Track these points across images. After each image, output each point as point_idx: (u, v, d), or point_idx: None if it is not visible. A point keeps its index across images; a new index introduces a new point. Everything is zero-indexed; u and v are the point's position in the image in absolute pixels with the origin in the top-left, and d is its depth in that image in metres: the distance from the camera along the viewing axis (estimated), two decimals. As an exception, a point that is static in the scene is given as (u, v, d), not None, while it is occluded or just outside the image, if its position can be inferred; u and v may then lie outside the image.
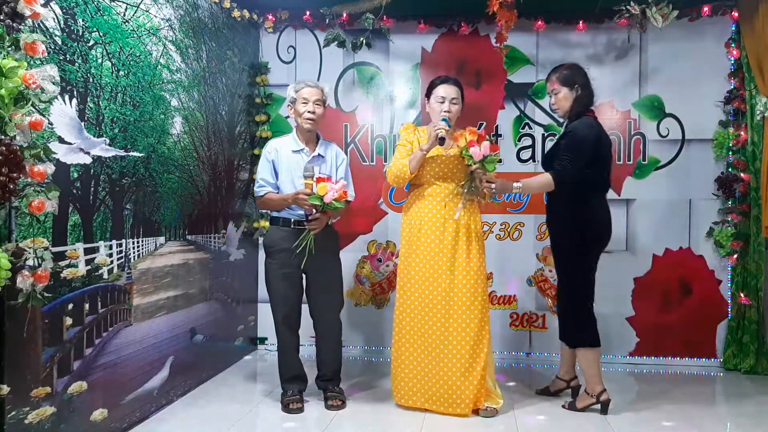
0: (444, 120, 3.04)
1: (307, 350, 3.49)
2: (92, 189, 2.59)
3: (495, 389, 3.13)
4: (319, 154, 3.24)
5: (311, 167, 3.07)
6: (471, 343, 3.03)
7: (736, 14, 3.99)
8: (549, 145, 4.25)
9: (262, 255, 4.39)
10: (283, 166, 3.21)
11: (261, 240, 4.40)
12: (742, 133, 3.99)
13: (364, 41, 3.97)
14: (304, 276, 3.25)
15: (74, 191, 2.47)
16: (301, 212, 3.14)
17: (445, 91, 3.12)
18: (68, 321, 2.41)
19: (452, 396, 3.04)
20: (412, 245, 3.15)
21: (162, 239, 3.19)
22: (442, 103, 3.10)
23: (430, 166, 3.13)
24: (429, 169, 3.13)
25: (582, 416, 3.10)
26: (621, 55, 4.19)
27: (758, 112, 3.92)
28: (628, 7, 3.62)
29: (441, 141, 2.99)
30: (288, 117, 4.35)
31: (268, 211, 3.38)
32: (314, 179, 3.02)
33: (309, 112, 3.16)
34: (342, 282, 3.35)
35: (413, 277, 3.12)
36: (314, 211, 3.08)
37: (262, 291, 4.41)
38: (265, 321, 4.39)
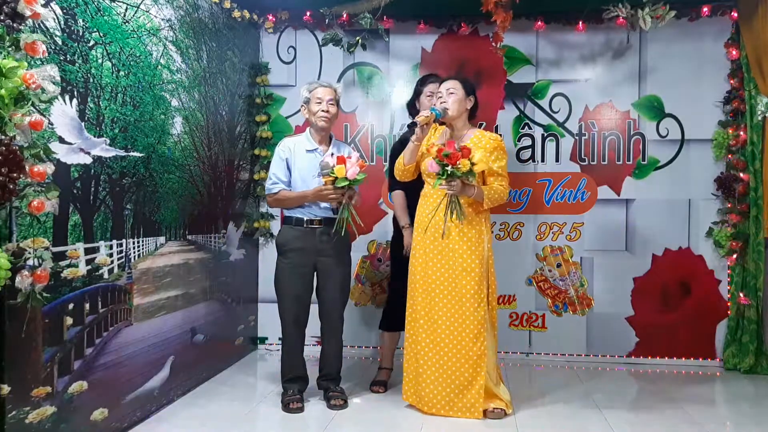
0: (432, 109, 3.05)
1: (308, 350, 3.49)
2: (92, 189, 2.59)
3: (498, 390, 3.09)
4: (332, 154, 3.23)
5: (327, 163, 3.06)
6: (461, 343, 3.00)
7: (736, 14, 3.99)
8: (549, 145, 4.26)
9: (262, 255, 4.44)
10: (297, 165, 3.23)
11: (261, 240, 4.43)
12: (742, 133, 4.00)
13: (359, 41, 3.97)
14: (315, 275, 3.25)
15: (74, 191, 2.47)
16: (314, 212, 3.18)
17: (441, 87, 3.16)
18: (69, 321, 2.42)
19: (446, 398, 3.04)
20: (413, 245, 3.18)
21: (162, 239, 3.20)
22: (440, 97, 3.13)
23: (423, 162, 3.13)
24: (422, 167, 3.14)
25: (582, 416, 3.10)
26: (620, 55, 4.20)
27: (759, 112, 3.93)
28: (615, 8, 3.62)
29: (410, 125, 3.06)
30: (289, 117, 4.42)
31: (282, 210, 3.33)
32: (331, 174, 3.03)
33: (323, 111, 3.20)
34: (350, 281, 3.38)
35: (411, 277, 3.15)
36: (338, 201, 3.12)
37: (263, 291, 4.44)
38: (266, 321, 4.40)
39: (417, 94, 3.55)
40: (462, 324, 3.01)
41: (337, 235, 3.13)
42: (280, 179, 3.23)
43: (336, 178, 3.00)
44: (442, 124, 3.21)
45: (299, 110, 3.41)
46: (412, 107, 3.59)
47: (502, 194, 3.10)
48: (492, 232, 4.20)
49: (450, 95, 3.11)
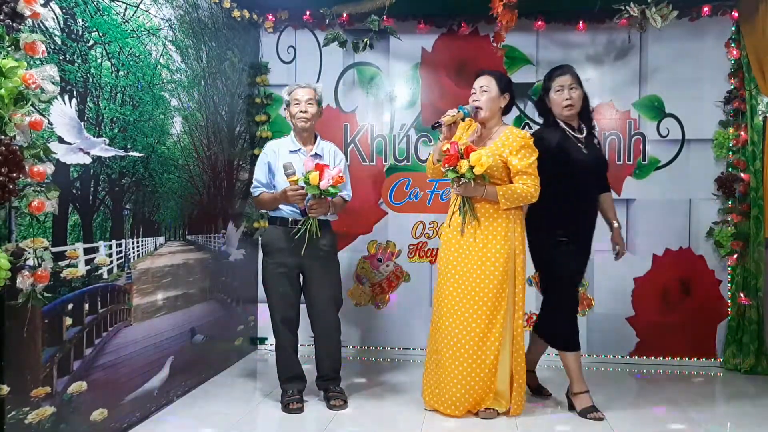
0: (460, 108, 3.02)
1: (308, 350, 3.49)
2: (92, 189, 2.59)
3: (506, 392, 3.04)
4: (316, 153, 3.25)
5: (290, 164, 3.06)
6: (476, 343, 2.97)
7: (737, 14, 3.99)
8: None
9: (261, 255, 4.42)
10: (279, 167, 3.21)
11: (260, 240, 4.42)
12: (742, 133, 3.99)
13: (368, 42, 3.96)
14: (301, 275, 3.24)
15: (74, 191, 2.47)
16: (299, 211, 3.16)
17: (475, 84, 3.12)
18: (68, 321, 2.41)
19: (445, 395, 3.03)
20: (442, 242, 3.17)
21: (162, 239, 3.19)
22: (474, 94, 3.10)
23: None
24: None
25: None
26: (621, 55, 4.19)
27: (759, 112, 3.93)
28: (627, 7, 3.62)
29: (434, 126, 2.99)
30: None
31: (267, 211, 3.39)
32: (301, 177, 3.02)
33: (301, 111, 3.21)
34: (340, 280, 3.34)
35: (439, 274, 3.13)
36: (307, 201, 3.08)
37: (262, 291, 4.41)
38: (265, 321, 4.36)
39: (546, 90, 3.23)
40: (470, 325, 2.97)
41: (298, 236, 3.10)
42: (260, 183, 3.26)
43: (302, 180, 3.01)
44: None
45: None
46: (541, 103, 3.28)
47: (524, 193, 2.95)
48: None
49: (483, 93, 3.06)
